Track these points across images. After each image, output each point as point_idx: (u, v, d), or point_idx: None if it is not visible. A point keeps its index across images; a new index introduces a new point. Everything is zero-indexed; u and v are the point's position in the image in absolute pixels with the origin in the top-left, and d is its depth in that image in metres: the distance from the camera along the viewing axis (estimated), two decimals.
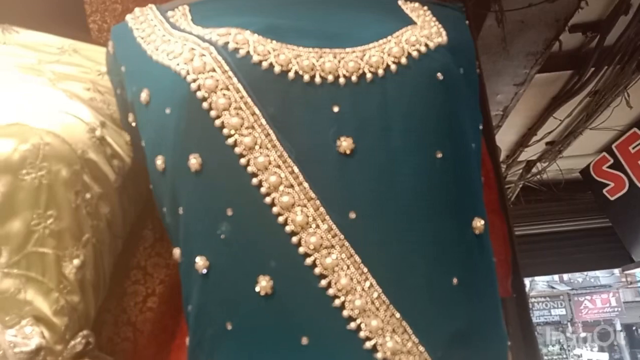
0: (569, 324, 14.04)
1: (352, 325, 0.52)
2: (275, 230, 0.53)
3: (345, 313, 0.52)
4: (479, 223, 0.58)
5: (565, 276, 13.64)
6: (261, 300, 0.53)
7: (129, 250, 0.94)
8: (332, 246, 0.52)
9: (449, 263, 0.55)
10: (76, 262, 0.71)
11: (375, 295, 0.52)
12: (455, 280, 0.54)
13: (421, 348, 0.52)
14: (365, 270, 0.52)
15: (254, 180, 0.54)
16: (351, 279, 0.52)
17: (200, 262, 0.57)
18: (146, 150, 0.67)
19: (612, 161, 4.63)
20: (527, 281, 12.97)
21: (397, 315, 0.52)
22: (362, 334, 0.52)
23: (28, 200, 0.67)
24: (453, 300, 0.54)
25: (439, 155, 0.55)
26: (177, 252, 0.64)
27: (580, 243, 5.41)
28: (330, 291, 0.52)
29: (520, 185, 5.23)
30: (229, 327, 0.55)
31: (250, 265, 0.54)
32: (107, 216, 0.77)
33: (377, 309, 0.52)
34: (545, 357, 13.43)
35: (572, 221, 5.34)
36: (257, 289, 0.53)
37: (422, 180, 0.54)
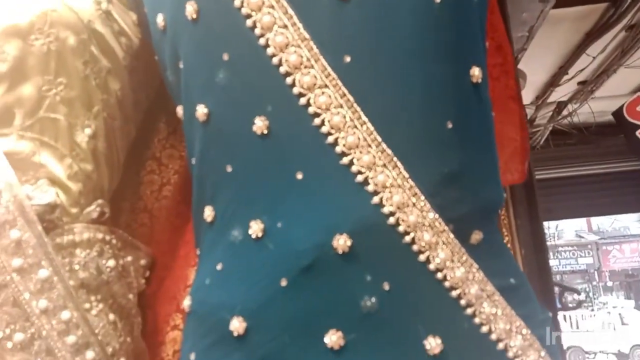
0: (595, 272, 14.01)
1: (345, 160, 0.54)
2: (270, 72, 0.55)
3: (338, 149, 0.54)
4: (476, 72, 0.57)
5: (594, 225, 13.51)
6: (258, 140, 0.55)
7: (143, 142, 0.97)
8: (326, 85, 0.54)
9: (444, 107, 0.55)
10: (87, 131, 0.73)
11: (367, 132, 0.53)
12: (449, 124, 0.55)
13: (411, 182, 0.53)
14: (359, 109, 0.53)
15: (248, 22, 0.55)
16: (344, 117, 0.53)
17: (200, 110, 0.59)
18: (148, 14, 0.68)
19: None
20: (554, 230, 12.90)
21: (389, 151, 0.53)
22: (353, 169, 0.53)
23: (38, 65, 0.69)
24: (446, 142, 0.55)
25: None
26: (179, 109, 0.66)
27: (609, 187, 5.32)
28: (324, 129, 0.54)
29: (550, 128, 5.11)
30: (229, 169, 0.58)
31: (247, 108, 0.56)
32: (117, 93, 0.79)
33: (369, 145, 0.53)
34: (570, 305, 13.49)
35: (602, 164, 5.23)
36: (254, 129, 0.55)
37: (419, 22, 0.54)
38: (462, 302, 0.54)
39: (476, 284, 0.55)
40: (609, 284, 14.31)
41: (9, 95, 0.69)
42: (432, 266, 0.54)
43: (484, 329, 0.54)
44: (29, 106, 0.69)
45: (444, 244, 0.54)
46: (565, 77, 4.11)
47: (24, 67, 0.68)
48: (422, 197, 0.54)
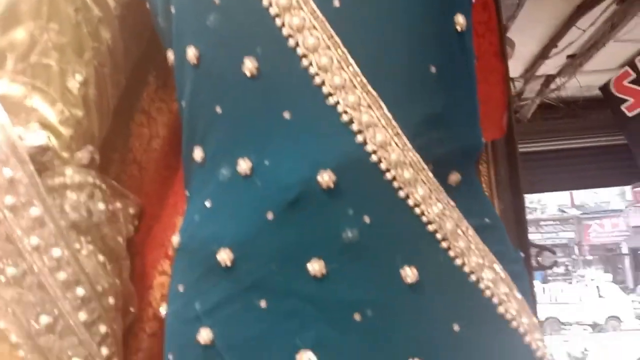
0: (575, 246, 14.33)
1: (331, 100, 0.56)
2: (260, 13, 0.56)
3: (324, 90, 0.56)
4: (461, 20, 0.59)
5: (577, 200, 13.75)
6: (247, 81, 0.57)
7: (133, 95, 0.98)
8: (314, 27, 0.55)
9: (428, 51, 0.57)
10: (78, 77, 0.74)
11: (353, 74, 0.55)
12: (433, 69, 0.57)
13: (394, 123, 0.55)
14: (345, 51, 0.55)
15: None
16: (331, 58, 0.55)
17: (191, 53, 0.61)
18: None
19: (634, 76, 4.51)
20: (537, 204, 13.11)
21: (374, 93, 0.55)
22: (339, 109, 0.55)
23: (30, 10, 0.69)
24: (429, 86, 0.57)
25: None
26: (170, 54, 0.67)
27: (594, 160, 5.40)
28: (312, 70, 0.55)
29: (538, 102, 5.14)
30: (219, 110, 0.60)
31: (237, 49, 0.57)
32: (108, 42, 0.79)
33: (355, 86, 0.55)
34: (549, 278, 13.87)
35: (587, 138, 5.30)
36: (244, 70, 0.57)
37: None
38: (438, 236, 0.57)
39: (452, 220, 0.58)
40: (589, 257, 14.64)
41: (1, 39, 0.70)
42: (410, 202, 0.56)
43: (458, 261, 0.57)
44: (21, 50, 0.70)
45: (423, 181, 0.57)
46: (555, 50, 4.13)
47: (16, 11, 0.69)
48: (404, 137, 0.56)
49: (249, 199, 0.57)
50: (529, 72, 4.67)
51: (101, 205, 0.76)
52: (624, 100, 4.64)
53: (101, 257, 0.76)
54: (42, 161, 0.70)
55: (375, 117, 0.55)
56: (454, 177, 0.60)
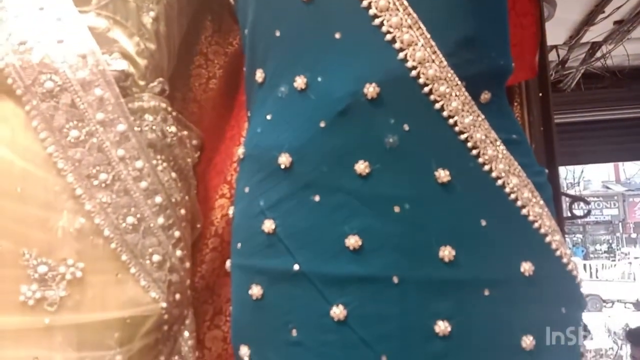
0: (620, 224, 14.00)
1: (376, 21, 0.64)
2: None
3: (371, 12, 0.64)
4: None
5: (622, 176, 13.37)
6: (303, 6, 0.66)
7: (192, 39, 1.08)
8: None
9: None
10: (152, 13, 0.85)
11: None
12: None
13: (432, 42, 0.64)
14: None
15: None
16: None
17: None
18: None
19: None
20: (581, 180, 12.82)
21: (414, 14, 0.63)
22: (383, 29, 0.64)
23: None
24: (464, 10, 0.65)
25: None
26: None
27: (638, 132, 5.24)
28: None
29: (582, 71, 5.02)
30: (277, 34, 0.69)
31: None
32: None
33: (397, 8, 0.64)
34: (592, 256, 13.64)
35: (632, 109, 5.14)
36: None
37: None
38: (469, 144, 0.65)
39: (481, 131, 0.66)
40: (633, 235, 14.28)
41: None
42: (445, 113, 0.64)
43: (486, 167, 0.65)
44: None
45: (456, 95, 0.65)
46: (601, 16, 4.02)
47: None
48: (441, 55, 0.64)
49: (304, 110, 0.67)
50: (574, 39, 4.55)
51: (173, 128, 0.88)
52: None
53: (174, 174, 0.87)
54: (123, 86, 0.81)
55: (415, 37, 0.64)
56: (485, 96, 0.68)
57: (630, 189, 13.55)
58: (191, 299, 0.89)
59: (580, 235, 13.99)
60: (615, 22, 4.15)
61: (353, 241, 0.63)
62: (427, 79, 0.64)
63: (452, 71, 0.65)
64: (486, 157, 0.66)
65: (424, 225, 0.64)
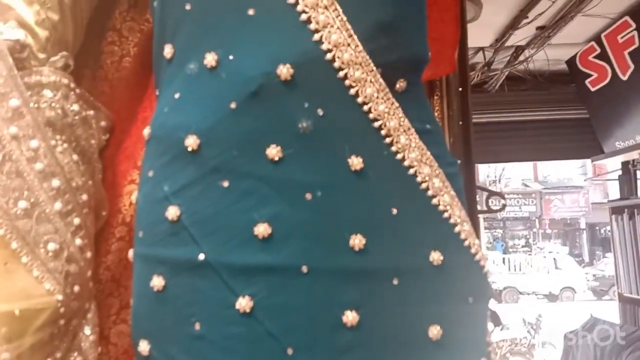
0: (537, 220, 14.87)
1: (291, 0, 0.61)
2: None
3: None
4: None
5: (540, 175, 14.18)
6: None
7: (105, 13, 1.01)
8: None
9: None
10: None
11: None
12: None
13: (348, 25, 0.62)
14: None
15: None
16: None
17: None
18: None
19: (598, 51, 4.63)
20: (502, 179, 13.49)
21: None
22: (299, 8, 0.62)
23: None
24: None
25: None
26: None
27: (556, 132, 5.54)
28: None
29: (506, 73, 5.25)
30: (188, 7, 0.65)
31: None
32: None
33: None
34: (511, 250, 14.40)
35: (551, 111, 5.44)
36: None
37: None
38: (383, 132, 0.64)
39: (395, 119, 0.65)
40: (548, 231, 15.21)
41: None
42: (360, 99, 0.63)
43: (399, 156, 0.65)
44: None
45: (371, 82, 0.63)
46: (525, 21, 4.21)
47: None
48: (357, 39, 0.62)
49: (215, 90, 0.63)
50: (499, 42, 4.74)
51: (75, 107, 0.81)
52: (589, 75, 4.78)
53: (75, 156, 0.81)
54: (19, 58, 0.74)
55: (331, 18, 0.62)
56: (401, 84, 0.67)
57: (547, 187, 14.40)
58: (94, 292, 0.83)
59: (500, 231, 14.71)
60: (538, 28, 4.37)
61: (262, 229, 0.60)
62: (343, 63, 0.62)
63: (367, 57, 0.63)
64: (399, 146, 0.65)
65: (336, 213, 0.62)
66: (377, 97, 0.64)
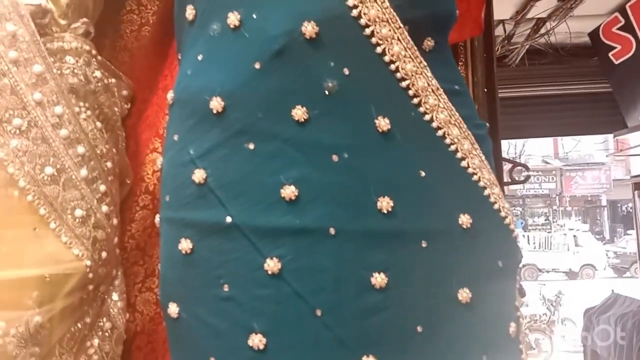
0: (557, 197, 14.67)
1: None
2: None
3: None
4: None
5: (560, 152, 13.94)
6: None
7: None
8: None
9: None
10: None
11: None
12: None
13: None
14: None
15: None
16: None
17: None
18: None
19: (623, 22, 4.50)
20: (522, 156, 13.30)
21: None
22: None
23: None
24: None
25: None
26: None
27: (579, 107, 5.43)
28: None
29: (527, 47, 5.13)
30: None
31: None
32: None
33: None
34: (530, 227, 14.27)
35: (573, 85, 5.31)
36: None
37: None
38: (410, 92, 0.63)
39: (424, 79, 0.63)
40: (568, 208, 15.03)
41: None
42: (386, 58, 0.61)
43: (427, 117, 0.63)
44: None
45: (399, 39, 0.62)
46: None
47: None
48: None
49: (238, 50, 0.62)
50: (520, 15, 4.63)
51: (98, 73, 0.81)
52: (612, 48, 4.65)
53: (99, 124, 0.81)
54: (41, 24, 0.74)
55: (381, 12, 0.60)
56: (429, 43, 0.65)
57: (567, 164, 14.18)
58: (120, 259, 0.84)
59: (519, 208, 14.58)
60: None
61: (289, 191, 0.60)
62: (369, 19, 0.61)
63: (394, 13, 0.61)
64: (427, 106, 0.63)
65: (363, 175, 0.61)
66: (405, 56, 0.62)
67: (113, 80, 0.87)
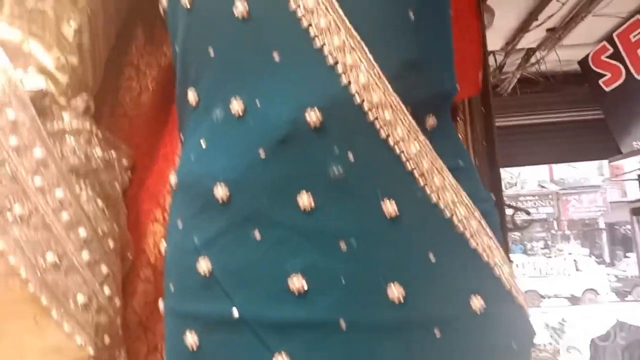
0: (554, 221, 14.68)
1: (317, 43, 0.60)
2: None
3: (311, 32, 0.60)
4: None
5: (556, 176, 14.02)
6: (239, 23, 0.61)
7: (122, 48, 1.00)
8: None
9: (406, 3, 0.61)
10: (73, 24, 0.78)
11: (338, 17, 0.59)
12: (412, 15, 0.61)
13: (375, 65, 0.60)
14: None
15: None
16: (317, 2, 0.59)
17: None
18: None
19: (611, 50, 4.57)
20: (518, 180, 13.36)
21: (357, 36, 0.59)
22: (325, 51, 0.60)
23: None
24: (409, 32, 0.62)
25: None
26: (163, 1, 0.70)
27: (571, 134, 5.48)
28: (299, 12, 0.59)
29: (518, 76, 5.20)
30: (211, 52, 0.63)
31: None
32: None
33: (339, 29, 0.59)
34: (529, 252, 14.22)
35: (566, 112, 5.38)
36: (235, 13, 0.60)
37: None
38: (416, 173, 0.62)
39: (428, 159, 0.62)
40: (567, 232, 15.02)
41: None
42: (391, 141, 0.61)
43: (434, 198, 0.62)
44: None
45: (402, 122, 0.61)
46: (535, 23, 4.17)
47: None
48: (385, 80, 0.61)
49: (242, 137, 0.62)
50: (510, 45, 4.70)
51: (98, 152, 0.80)
52: (602, 75, 4.71)
53: (100, 202, 0.80)
54: (41, 106, 0.73)
55: (358, 59, 0.60)
56: (431, 121, 0.65)
57: (563, 188, 14.23)
58: (123, 339, 0.82)
59: (518, 234, 14.56)
60: (548, 30, 4.33)
61: (296, 281, 0.59)
62: (372, 105, 0.60)
63: (396, 96, 0.61)
64: (433, 187, 0.63)
65: (371, 262, 0.60)
66: (409, 139, 0.62)
67: (113, 152, 0.86)
